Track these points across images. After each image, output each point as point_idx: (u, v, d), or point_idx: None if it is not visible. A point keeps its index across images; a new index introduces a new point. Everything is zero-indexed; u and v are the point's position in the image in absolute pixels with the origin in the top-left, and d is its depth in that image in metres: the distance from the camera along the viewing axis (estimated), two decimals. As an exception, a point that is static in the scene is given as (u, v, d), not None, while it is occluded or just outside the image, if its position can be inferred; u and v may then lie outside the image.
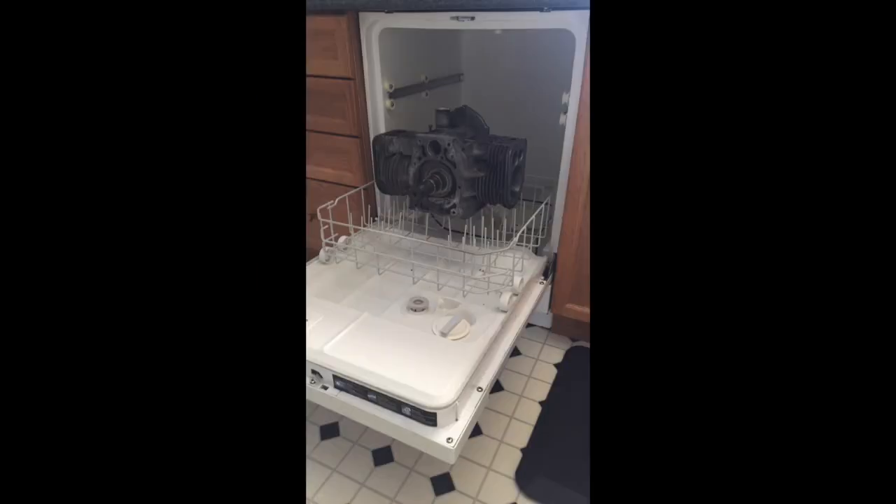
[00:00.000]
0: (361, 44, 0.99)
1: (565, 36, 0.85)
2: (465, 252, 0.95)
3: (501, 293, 0.81)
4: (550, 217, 1.03)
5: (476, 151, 0.88)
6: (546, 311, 1.09)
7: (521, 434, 0.89)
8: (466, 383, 0.64)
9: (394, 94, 1.10)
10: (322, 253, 0.97)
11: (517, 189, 0.93)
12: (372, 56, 1.01)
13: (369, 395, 0.65)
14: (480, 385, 0.68)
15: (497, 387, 1.00)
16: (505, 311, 0.80)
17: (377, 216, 1.18)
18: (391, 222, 1.13)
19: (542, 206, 0.99)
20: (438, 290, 0.91)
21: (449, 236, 1.07)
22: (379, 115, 1.09)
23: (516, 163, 0.89)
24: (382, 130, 1.10)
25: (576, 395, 0.96)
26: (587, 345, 1.11)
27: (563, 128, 0.91)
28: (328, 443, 0.87)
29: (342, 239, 0.99)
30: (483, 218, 1.04)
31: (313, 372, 0.69)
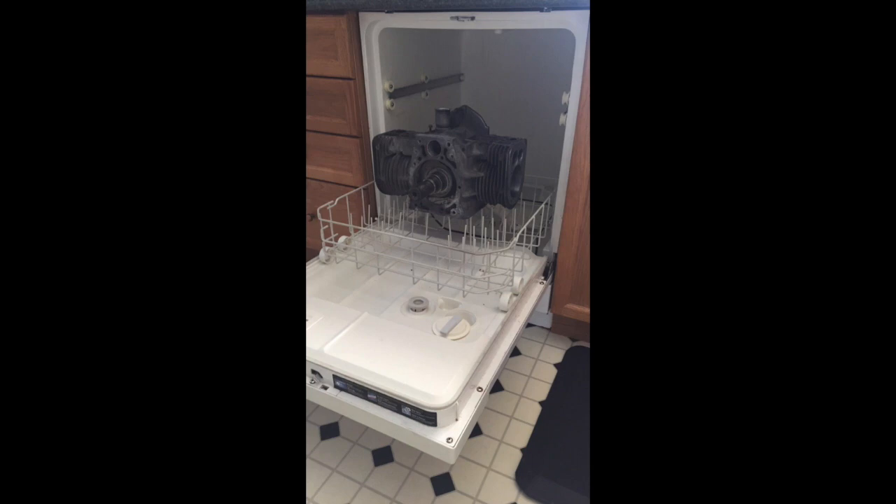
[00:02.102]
0: (361, 44, 0.99)
1: (565, 36, 0.85)
2: (465, 252, 0.95)
3: (501, 293, 0.81)
4: (550, 217, 1.03)
5: (476, 151, 0.88)
6: (546, 311, 1.10)
7: (521, 434, 0.89)
8: (466, 383, 0.64)
9: (394, 94, 1.10)
10: (322, 253, 0.97)
11: (517, 189, 0.93)
12: (372, 56, 1.01)
13: (369, 395, 0.65)
14: (480, 385, 0.68)
15: (497, 387, 1.00)
16: (505, 311, 0.80)
17: (377, 216, 1.18)
18: (391, 222, 1.13)
19: (542, 206, 0.99)
20: (438, 290, 0.91)
21: (449, 236, 1.07)
22: (379, 115, 1.09)
23: (516, 163, 0.89)
24: (382, 130, 1.10)
25: (576, 395, 0.96)
26: (587, 345, 1.11)
27: (563, 128, 0.91)
28: (328, 443, 0.87)
29: (342, 239, 0.99)
30: (483, 218, 1.04)
31: (313, 372, 0.69)
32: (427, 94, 1.28)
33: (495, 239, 1.01)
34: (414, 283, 0.94)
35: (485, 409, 0.94)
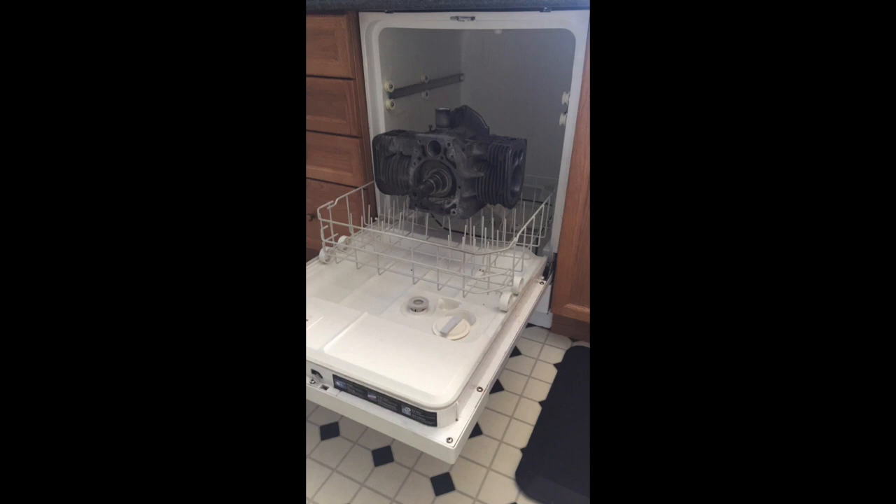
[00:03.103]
0: (361, 44, 0.99)
1: (565, 36, 0.85)
2: (465, 252, 0.95)
3: (501, 293, 0.81)
4: (550, 217, 1.03)
5: (476, 151, 0.88)
6: (546, 311, 1.10)
7: (521, 434, 0.89)
8: (466, 383, 0.64)
9: (394, 94, 1.10)
10: (322, 253, 0.97)
11: (517, 189, 0.93)
12: (372, 56, 1.01)
13: (369, 395, 0.65)
14: (480, 385, 0.68)
15: (497, 387, 1.00)
16: (505, 311, 0.80)
17: (377, 216, 1.18)
18: (391, 222, 1.13)
19: (542, 206, 0.99)
20: (438, 290, 0.91)
21: (449, 236, 1.07)
22: (379, 115, 1.09)
23: (516, 163, 0.89)
24: (382, 130, 1.10)
25: (576, 395, 0.96)
26: (587, 345, 1.11)
27: (563, 128, 0.91)
28: (328, 443, 0.87)
29: (342, 239, 0.99)
30: (483, 218, 1.04)
31: (313, 372, 0.69)
32: (427, 94, 1.28)
33: (495, 239, 1.01)
34: (414, 283, 0.94)
35: (485, 409, 0.94)
